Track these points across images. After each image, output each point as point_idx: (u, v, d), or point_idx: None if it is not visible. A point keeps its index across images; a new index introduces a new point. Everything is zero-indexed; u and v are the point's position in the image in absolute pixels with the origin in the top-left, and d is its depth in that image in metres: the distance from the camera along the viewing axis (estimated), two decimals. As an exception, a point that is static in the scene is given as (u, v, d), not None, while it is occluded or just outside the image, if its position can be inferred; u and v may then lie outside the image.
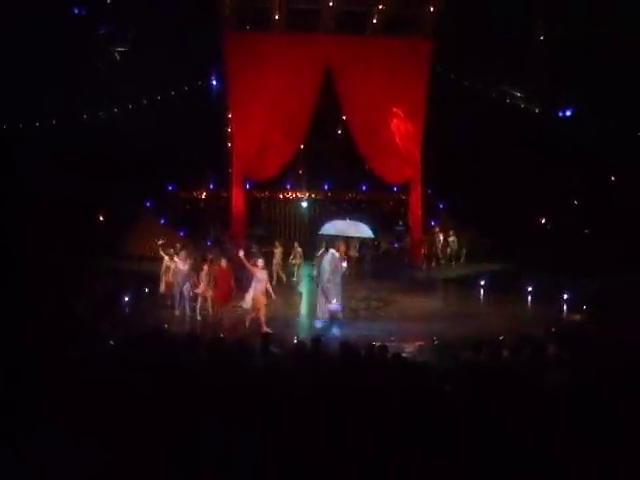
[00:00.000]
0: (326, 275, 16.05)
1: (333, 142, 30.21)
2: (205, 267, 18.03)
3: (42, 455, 5.54)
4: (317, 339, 10.34)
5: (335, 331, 15.70)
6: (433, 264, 28.63)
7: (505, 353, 9.71)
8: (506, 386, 6.91)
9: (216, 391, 6.67)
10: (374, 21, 26.33)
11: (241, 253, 16.71)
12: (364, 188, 32.09)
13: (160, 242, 21.03)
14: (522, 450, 5.62)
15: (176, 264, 18.11)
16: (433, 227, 29.60)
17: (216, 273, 17.44)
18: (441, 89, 26.59)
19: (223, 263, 17.48)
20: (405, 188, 29.75)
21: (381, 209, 32.48)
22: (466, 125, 26.21)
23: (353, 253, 25.76)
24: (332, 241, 16.98)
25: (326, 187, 32.11)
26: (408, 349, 14.92)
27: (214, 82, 28.33)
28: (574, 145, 24.70)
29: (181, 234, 26.64)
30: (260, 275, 16.17)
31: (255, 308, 16.04)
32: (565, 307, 19.04)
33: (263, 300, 16.09)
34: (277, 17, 25.41)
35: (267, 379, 7.60)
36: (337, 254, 16.26)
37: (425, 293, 21.46)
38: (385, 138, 27.21)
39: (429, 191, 29.46)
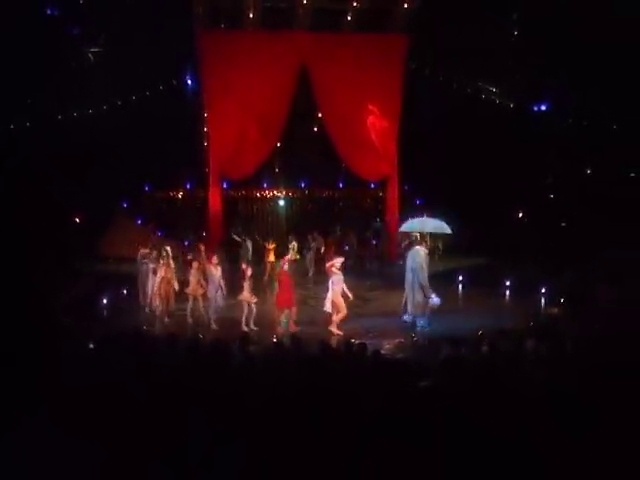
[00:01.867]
0: (424, 272, 16.46)
1: (309, 140, 30.16)
2: (195, 265, 17.84)
3: (23, 459, 5.52)
4: (297, 338, 10.35)
5: (425, 323, 16.37)
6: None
7: (484, 348, 9.75)
8: (486, 382, 6.91)
9: (196, 392, 6.64)
10: (349, 18, 26.30)
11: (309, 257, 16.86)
12: (341, 185, 32.10)
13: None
14: (503, 446, 5.64)
15: (209, 269, 17.45)
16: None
17: (279, 277, 16.88)
18: (416, 85, 26.65)
19: (285, 266, 16.87)
20: (382, 185, 29.75)
21: (358, 206, 32.52)
22: (442, 121, 26.29)
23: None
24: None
25: (303, 185, 32.09)
26: (387, 346, 15.00)
27: (189, 81, 28.24)
28: (549, 139, 24.86)
29: (159, 234, 26.47)
30: (337, 277, 16.34)
31: (336, 310, 16.24)
32: (543, 301, 19.16)
33: (342, 302, 16.30)
34: (251, 15, 25.31)
35: (246, 379, 7.58)
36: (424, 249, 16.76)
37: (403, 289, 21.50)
38: (361, 135, 27.20)
39: (406, 187, 29.50)
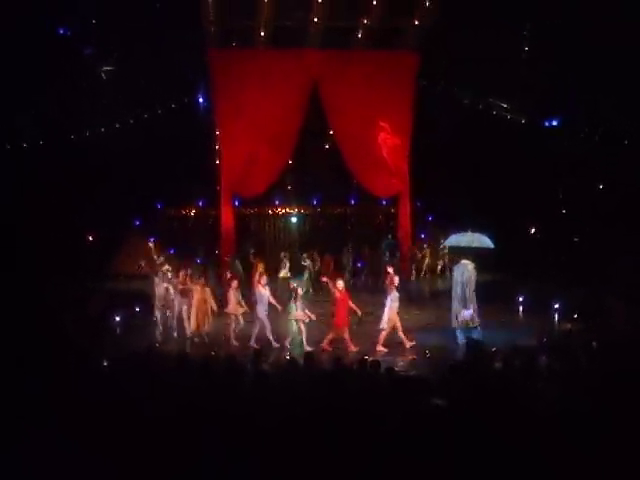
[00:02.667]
0: (472, 285, 16.74)
1: (321, 157, 30.20)
2: (234, 284, 17.73)
3: (32, 470, 5.54)
4: (310, 356, 10.35)
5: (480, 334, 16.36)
6: (421, 276, 28.89)
7: (498, 364, 9.72)
8: (499, 399, 6.89)
9: (209, 411, 6.64)
10: (359, 35, 26.38)
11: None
12: (353, 202, 32.11)
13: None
14: (517, 462, 5.62)
15: (258, 289, 17.20)
16: (421, 241, 29.76)
17: (337, 296, 16.69)
18: (428, 102, 26.69)
19: (340, 285, 16.89)
20: (394, 201, 29.76)
21: (370, 222, 32.52)
22: (453, 137, 26.30)
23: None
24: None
25: (315, 202, 32.09)
26: (401, 363, 14.99)
27: (201, 99, 28.35)
28: (561, 154, 24.82)
29: (171, 252, 26.51)
30: (394, 295, 16.60)
31: (390, 327, 16.48)
32: (556, 316, 19.08)
33: (396, 319, 16.61)
34: (262, 34, 25.42)
35: (259, 397, 7.58)
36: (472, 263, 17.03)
37: (416, 306, 21.47)
38: (373, 152, 27.26)
39: (418, 204, 29.52)
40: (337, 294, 16.62)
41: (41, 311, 16.41)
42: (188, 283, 17.83)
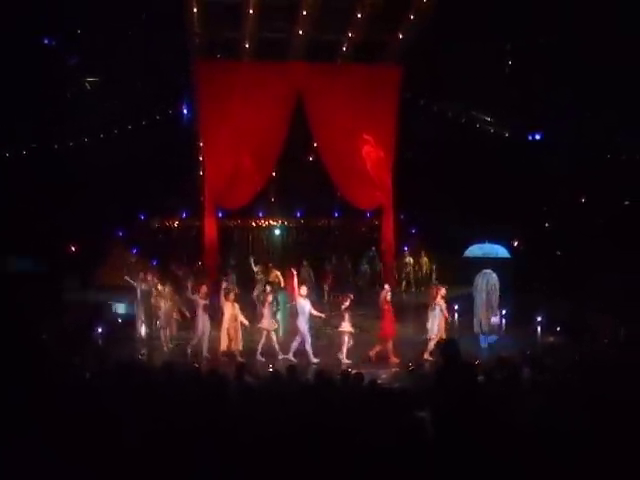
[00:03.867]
0: (497, 292, 17.99)
1: (305, 169, 30.25)
2: (268, 299, 17.46)
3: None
4: (292, 368, 10.32)
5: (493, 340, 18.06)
6: (402, 289, 28.94)
7: (480, 377, 9.72)
8: (481, 411, 6.89)
9: (193, 423, 6.62)
10: (344, 49, 26.46)
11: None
12: (336, 214, 32.14)
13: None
14: (498, 475, 5.63)
15: (298, 301, 16.94)
16: (403, 252, 29.83)
17: (383, 306, 16.89)
18: (412, 115, 26.79)
19: (388, 296, 17.03)
20: (377, 214, 29.80)
21: (354, 235, 32.55)
22: (437, 150, 26.41)
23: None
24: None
25: (298, 214, 32.11)
26: (384, 376, 14.98)
27: (185, 111, 28.34)
28: (544, 167, 24.94)
29: (154, 263, 26.42)
30: (443, 305, 17.32)
31: (439, 337, 16.85)
32: (540, 329, 19.14)
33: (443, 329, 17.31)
34: (247, 46, 25.45)
35: (242, 409, 7.55)
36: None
37: (398, 318, 21.45)
38: (356, 165, 27.28)
39: (401, 216, 29.58)
40: (385, 306, 16.84)
41: (22, 322, 16.34)
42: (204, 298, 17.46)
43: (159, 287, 18.73)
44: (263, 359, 16.73)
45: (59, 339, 16.07)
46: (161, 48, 23.52)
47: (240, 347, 17.09)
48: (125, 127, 26.58)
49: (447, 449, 5.88)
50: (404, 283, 29.53)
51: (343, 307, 16.91)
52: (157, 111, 27.19)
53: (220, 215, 28.57)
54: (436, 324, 17.11)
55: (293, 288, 18.04)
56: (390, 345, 16.77)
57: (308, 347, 16.67)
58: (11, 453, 5.80)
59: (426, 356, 16.79)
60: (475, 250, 19.85)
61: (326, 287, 26.54)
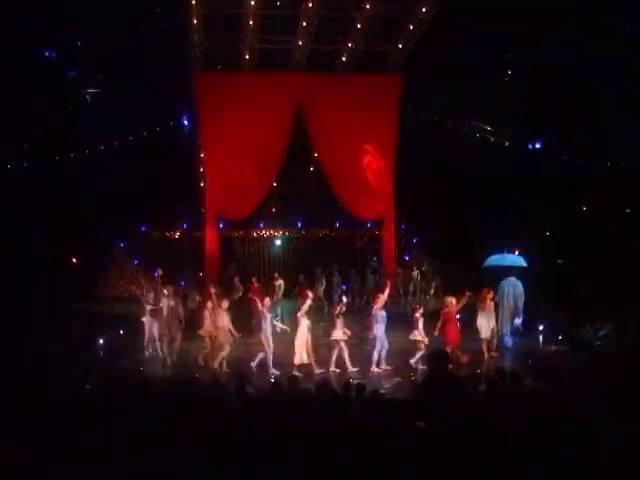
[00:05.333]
0: (523, 298, 19.20)
1: (306, 180, 30.29)
2: (341, 309, 17.10)
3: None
4: (294, 378, 10.30)
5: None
6: (403, 299, 28.86)
7: (482, 387, 9.71)
8: (482, 422, 6.88)
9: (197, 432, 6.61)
10: (344, 59, 26.51)
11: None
12: (338, 225, 32.14)
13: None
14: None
15: (375, 310, 16.88)
16: (407, 262, 29.80)
17: (447, 312, 16.99)
18: (412, 125, 26.81)
19: (453, 301, 17.17)
20: (379, 224, 29.78)
21: (355, 245, 32.55)
22: (437, 159, 26.43)
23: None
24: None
25: (299, 225, 32.12)
26: (386, 386, 14.96)
27: (185, 122, 28.40)
28: (545, 176, 24.95)
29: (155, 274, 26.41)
30: (489, 309, 18.12)
31: (491, 336, 18.07)
32: (541, 339, 19.12)
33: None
34: (247, 56, 25.51)
35: (243, 420, 7.54)
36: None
37: (400, 328, 21.40)
38: (357, 175, 27.29)
39: (402, 226, 29.59)
40: (449, 309, 17.00)
41: (24, 334, 16.36)
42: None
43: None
44: (337, 370, 16.68)
45: (61, 351, 16.06)
46: (161, 59, 23.59)
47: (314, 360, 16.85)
48: (126, 139, 26.62)
49: (446, 458, 5.86)
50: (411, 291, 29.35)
51: (336, 313, 16.91)
52: (158, 123, 27.23)
53: (221, 226, 28.57)
54: (489, 325, 17.97)
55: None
56: (458, 349, 16.87)
57: (384, 353, 16.82)
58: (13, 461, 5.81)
59: (492, 354, 17.95)
60: (495, 259, 21.04)
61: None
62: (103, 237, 26.23)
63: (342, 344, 16.66)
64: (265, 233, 32.07)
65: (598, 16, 20.95)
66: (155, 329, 18.69)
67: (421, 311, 17.10)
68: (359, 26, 24.24)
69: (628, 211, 25.48)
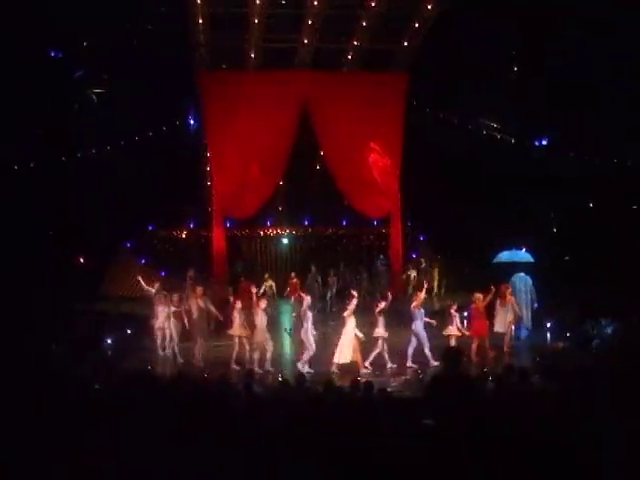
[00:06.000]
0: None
1: (312, 178, 30.30)
2: (382, 305, 17.11)
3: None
4: (302, 377, 10.32)
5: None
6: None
7: (490, 385, 9.71)
8: (491, 417, 6.88)
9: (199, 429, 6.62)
10: (349, 57, 26.50)
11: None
12: (344, 223, 32.14)
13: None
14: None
15: (414, 308, 17.09)
16: (414, 260, 29.72)
17: (475, 305, 17.85)
18: (418, 122, 26.79)
19: (480, 297, 17.87)
20: (385, 222, 29.76)
21: (361, 243, 32.54)
22: (443, 157, 26.37)
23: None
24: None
25: (306, 223, 32.13)
26: (394, 384, 14.96)
27: (191, 121, 28.42)
28: (551, 173, 24.89)
29: (162, 274, 26.42)
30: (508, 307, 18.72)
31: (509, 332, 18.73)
32: (548, 336, 19.13)
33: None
34: (252, 55, 25.53)
35: (251, 418, 7.55)
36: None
37: (407, 326, 21.39)
38: (363, 173, 27.30)
39: (409, 224, 29.57)
40: (477, 304, 17.77)
41: (30, 334, 16.38)
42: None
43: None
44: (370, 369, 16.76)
45: (68, 350, 16.08)
46: (167, 59, 23.60)
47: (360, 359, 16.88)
48: (132, 138, 26.65)
49: (454, 457, 5.86)
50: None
51: (377, 310, 17.01)
52: (164, 122, 27.26)
53: (228, 225, 28.58)
54: (507, 319, 18.55)
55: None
56: (486, 342, 17.64)
57: (427, 351, 16.81)
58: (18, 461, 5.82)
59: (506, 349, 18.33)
60: (505, 256, 22.32)
61: (329, 295, 26.53)
62: (109, 236, 26.22)
63: (383, 341, 16.79)
64: (272, 232, 32.07)
65: (602, 13, 20.91)
66: (176, 331, 18.50)
67: (455, 307, 17.74)
68: (364, 24, 24.25)
69: (635, 207, 25.42)
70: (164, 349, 18.64)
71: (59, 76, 23.73)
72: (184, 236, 31.28)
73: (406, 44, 25.76)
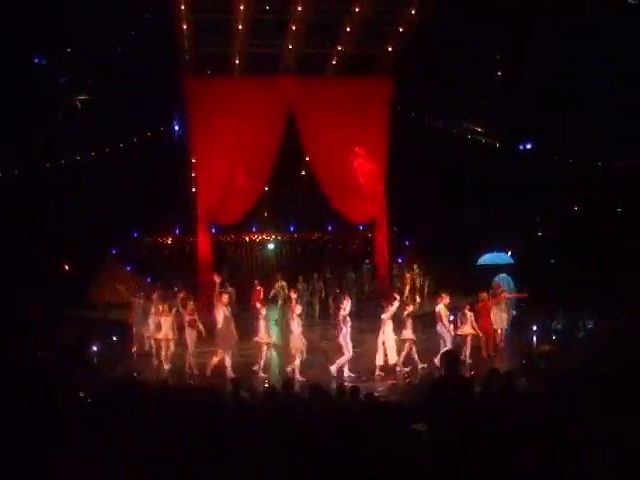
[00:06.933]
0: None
1: (297, 183, 30.31)
2: (410, 309, 17.56)
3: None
4: (289, 382, 10.30)
5: None
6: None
7: (477, 389, 9.70)
8: (478, 422, 6.88)
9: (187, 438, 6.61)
10: (334, 62, 26.52)
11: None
12: (330, 228, 32.15)
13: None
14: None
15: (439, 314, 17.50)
16: (400, 265, 29.74)
17: (480, 304, 18.57)
18: (403, 127, 26.83)
19: (486, 296, 18.72)
20: (371, 226, 29.78)
21: (347, 248, 32.57)
22: (428, 161, 26.44)
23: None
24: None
25: (292, 229, 32.13)
26: (380, 388, 14.96)
27: (176, 127, 28.38)
28: (535, 177, 25.01)
29: (148, 280, 26.35)
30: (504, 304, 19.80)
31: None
32: (535, 339, 19.16)
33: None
34: (237, 61, 25.52)
35: (238, 424, 7.54)
36: None
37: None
38: (349, 178, 27.30)
39: (395, 229, 29.59)
40: (483, 304, 18.61)
41: (16, 340, 16.31)
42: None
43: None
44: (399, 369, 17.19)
45: (55, 357, 16.00)
46: (151, 65, 23.57)
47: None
48: (116, 145, 26.60)
49: (445, 462, 5.87)
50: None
51: (406, 313, 17.31)
52: (148, 128, 27.22)
53: (213, 231, 28.52)
54: (503, 317, 19.50)
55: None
56: (490, 339, 18.58)
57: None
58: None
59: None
60: (488, 258, 24.11)
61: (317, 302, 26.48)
62: (95, 243, 26.15)
63: (411, 343, 17.16)
64: (257, 237, 32.06)
65: (584, 18, 21.06)
66: (191, 340, 17.63)
67: (468, 307, 18.33)
68: (348, 29, 24.26)
69: (619, 210, 25.59)
70: (167, 360, 17.88)
71: (43, 82, 23.68)
72: (169, 242, 31.24)
73: (390, 49, 25.80)
